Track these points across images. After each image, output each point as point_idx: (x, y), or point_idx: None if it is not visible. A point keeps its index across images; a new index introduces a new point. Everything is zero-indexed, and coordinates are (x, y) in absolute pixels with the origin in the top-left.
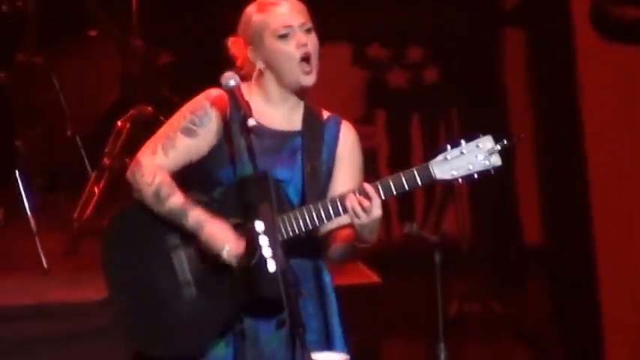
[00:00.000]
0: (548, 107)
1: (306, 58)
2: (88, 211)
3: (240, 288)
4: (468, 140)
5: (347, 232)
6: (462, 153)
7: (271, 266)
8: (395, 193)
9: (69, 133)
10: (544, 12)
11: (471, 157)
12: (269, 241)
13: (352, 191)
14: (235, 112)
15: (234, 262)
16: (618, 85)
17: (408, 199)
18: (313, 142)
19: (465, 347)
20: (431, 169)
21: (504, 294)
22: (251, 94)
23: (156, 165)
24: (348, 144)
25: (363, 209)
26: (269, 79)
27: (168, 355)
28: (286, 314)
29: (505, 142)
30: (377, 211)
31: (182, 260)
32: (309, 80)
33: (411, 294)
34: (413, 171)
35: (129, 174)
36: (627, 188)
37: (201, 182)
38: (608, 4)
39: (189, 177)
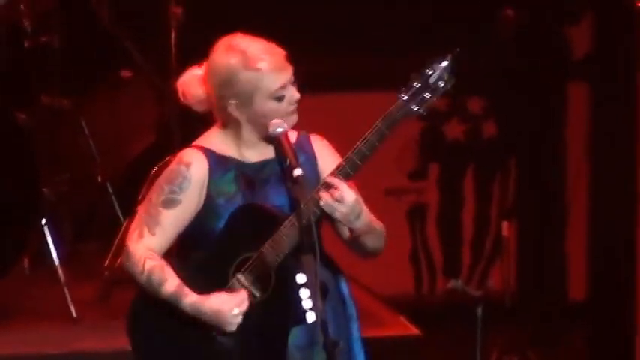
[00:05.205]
0: (604, 166)
1: (295, 110)
2: (120, 259)
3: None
4: (415, 77)
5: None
6: (416, 87)
7: (310, 318)
8: (362, 162)
9: (99, 179)
10: (610, 68)
11: (426, 86)
12: (310, 293)
13: (318, 190)
14: (220, 165)
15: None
16: None
17: (455, 254)
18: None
19: None
20: (392, 118)
21: (544, 346)
22: (223, 136)
23: (145, 249)
24: (324, 154)
25: (336, 200)
26: (248, 129)
27: None
28: None
29: (448, 58)
30: (350, 196)
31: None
32: (294, 120)
33: (452, 346)
34: (375, 127)
35: (123, 265)
36: None
37: (201, 238)
38: None
39: (188, 239)
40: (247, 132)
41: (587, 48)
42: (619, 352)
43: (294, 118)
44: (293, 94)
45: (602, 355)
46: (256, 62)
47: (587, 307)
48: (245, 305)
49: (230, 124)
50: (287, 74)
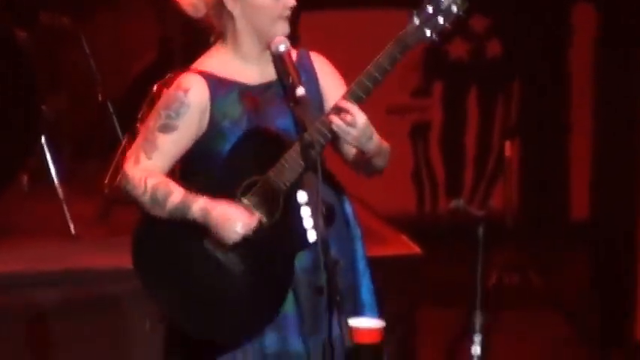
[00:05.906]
0: (609, 87)
1: (288, 18)
2: (119, 177)
3: (281, 245)
4: (428, 1)
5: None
6: (429, 12)
7: (311, 237)
8: (374, 85)
9: (100, 97)
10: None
11: (438, 10)
12: (311, 212)
13: (329, 113)
14: (221, 87)
15: (249, 231)
16: None
17: (457, 173)
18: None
19: (502, 316)
20: (405, 43)
21: (545, 267)
22: (223, 54)
23: (143, 171)
24: (325, 72)
25: (348, 124)
26: (243, 31)
27: (247, 332)
28: (324, 282)
29: None
30: (362, 120)
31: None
32: (286, 29)
33: (453, 266)
34: (386, 50)
35: (121, 189)
36: None
37: (208, 162)
38: None
39: (195, 163)
40: (246, 42)
41: None
42: (619, 272)
43: (286, 27)
44: None
45: (603, 276)
46: None
47: (589, 228)
48: (250, 227)
49: (227, 31)
50: None
